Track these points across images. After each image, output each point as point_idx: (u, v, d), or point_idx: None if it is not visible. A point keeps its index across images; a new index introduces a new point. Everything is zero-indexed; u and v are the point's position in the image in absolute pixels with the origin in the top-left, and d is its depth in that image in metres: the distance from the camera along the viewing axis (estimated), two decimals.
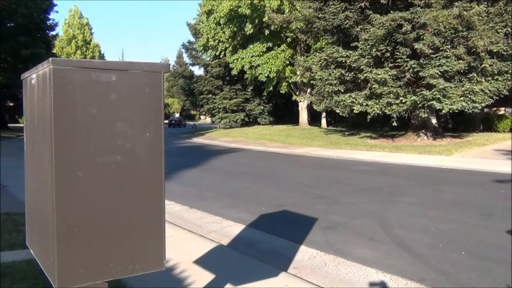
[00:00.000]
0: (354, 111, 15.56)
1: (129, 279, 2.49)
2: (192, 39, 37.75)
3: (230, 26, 26.01)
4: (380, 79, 13.79)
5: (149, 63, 1.41)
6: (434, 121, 16.16)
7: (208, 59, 33.78)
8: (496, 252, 3.95)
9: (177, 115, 66.78)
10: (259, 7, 23.55)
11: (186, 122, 49.27)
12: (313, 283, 3.20)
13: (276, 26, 22.40)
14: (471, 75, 13.37)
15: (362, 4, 14.45)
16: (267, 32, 24.40)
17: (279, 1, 22.79)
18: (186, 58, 49.42)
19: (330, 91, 15.66)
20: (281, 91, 27.20)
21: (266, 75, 24.88)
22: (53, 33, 32.55)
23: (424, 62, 13.19)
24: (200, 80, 35.93)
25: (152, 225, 1.44)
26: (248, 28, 24.77)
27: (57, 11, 63.72)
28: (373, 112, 14.58)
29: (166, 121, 59.42)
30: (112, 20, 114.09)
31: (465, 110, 13.67)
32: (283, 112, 33.48)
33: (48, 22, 30.45)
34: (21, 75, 1.66)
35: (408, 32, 13.11)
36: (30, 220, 1.68)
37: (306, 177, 9.10)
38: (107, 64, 1.37)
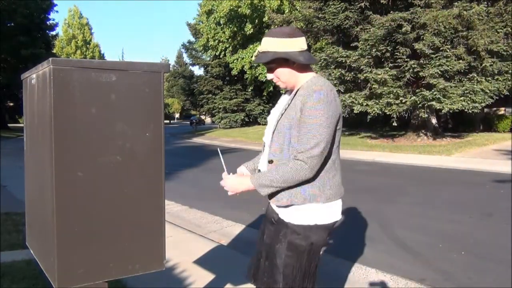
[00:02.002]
0: (354, 111, 15.56)
1: (129, 279, 2.50)
2: (192, 39, 37.73)
3: (230, 26, 26.02)
4: (380, 79, 13.78)
5: (149, 63, 1.41)
6: (434, 121, 16.16)
7: (208, 59, 33.75)
8: (496, 252, 3.95)
9: (176, 115, 66.71)
10: (259, 7, 23.56)
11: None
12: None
13: (276, 26, 22.39)
14: (471, 75, 13.37)
15: (362, 4, 14.45)
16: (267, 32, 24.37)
17: (279, 1, 22.80)
18: (186, 58, 49.40)
19: None
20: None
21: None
22: (53, 33, 32.57)
23: (424, 62, 13.19)
24: (200, 80, 35.91)
25: (152, 225, 1.44)
26: (248, 28, 24.77)
27: (57, 11, 63.73)
28: (373, 112, 14.58)
29: (167, 121, 59.68)
30: (112, 20, 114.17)
31: (465, 110, 13.67)
32: None
33: (48, 22, 30.48)
34: (21, 75, 1.66)
35: (408, 32, 13.11)
36: (30, 220, 1.68)
37: None
38: (107, 64, 1.37)
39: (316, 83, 1.67)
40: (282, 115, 1.71)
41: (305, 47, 1.71)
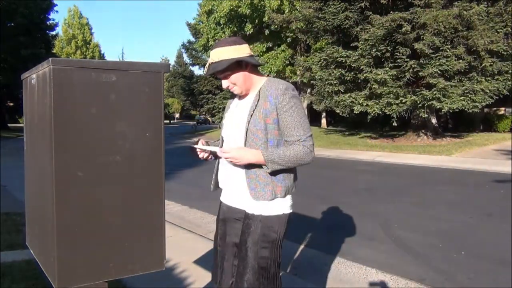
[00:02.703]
0: (354, 111, 15.56)
1: (129, 279, 2.49)
2: (192, 39, 37.73)
3: (230, 26, 25.99)
4: (380, 79, 13.78)
5: (149, 63, 1.41)
6: (434, 121, 16.16)
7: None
8: (496, 252, 3.95)
9: (176, 115, 66.76)
10: (259, 7, 23.53)
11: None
12: (313, 283, 3.20)
13: (276, 26, 22.40)
14: (471, 74, 13.37)
15: (362, 4, 14.45)
16: (267, 32, 24.38)
17: (279, 1, 22.78)
18: (186, 58, 49.37)
19: (330, 91, 15.66)
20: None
21: (266, 75, 24.88)
22: (53, 33, 32.56)
23: (424, 62, 13.19)
24: (200, 80, 35.91)
25: (152, 225, 1.44)
26: (248, 28, 24.76)
27: (57, 11, 63.62)
28: (373, 112, 14.58)
29: (167, 121, 59.97)
30: (112, 20, 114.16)
31: (465, 109, 13.67)
32: None
33: (48, 22, 30.47)
34: (21, 75, 1.66)
35: (408, 32, 13.11)
36: (30, 220, 1.68)
37: (306, 177, 9.09)
38: (107, 64, 1.37)
39: (279, 82, 1.83)
40: (251, 116, 1.80)
41: (251, 52, 1.86)
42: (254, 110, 1.80)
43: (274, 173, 1.79)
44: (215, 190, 2.07)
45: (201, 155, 1.92)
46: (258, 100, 1.81)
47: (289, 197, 1.88)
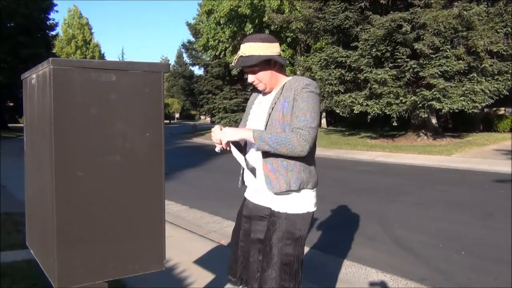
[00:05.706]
0: (354, 111, 15.55)
1: (129, 279, 2.49)
2: (192, 39, 37.69)
3: (230, 26, 25.98)
4: (380, 79, 13.78)
5: (149, 63, 1.41)
6: (434, 121, 16.15)
7: (208, 59, 33.74)
8: (496, 252, 3.95)
9: (176, 115, 66.90)
10: (259, 7, 23.53)
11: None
12: (313, 283, 3.20)
13: (276, 26, 22.38)
14: (471, 75, 13.36)
15: (362, 4, 14.44)
16: (267, 32, 24.36)
17: (279, 1, 22.78)
18: (186, 58, 49.31)
19: (330, 91, 15.65)
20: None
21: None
22: (53, 33, 32.55)
23: (424, 62, 13.18)
24: (200, 80, 35.85)
25: (152, 225, 1.44)
26: (248, 28, 24.75)
27: (57, 11, 63.61)
28: (373, 112, 14.57)
29: (167, 121, 60.06)
30: (112, 20, 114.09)
31: (465, 110, 13.66)
32: None
33: (48, 22, 30.45)
34: (21, 75, 1.66)
35: (408, 32, 13.10)
36: (30, 220, 1.68)
37: None
38: (107, 64, 1.37)
39: (304, 78, 1.86)
40: (272, 109, 1.84)
41: (280, 51, 1.89)
42: (276, 103, 1.84)
43: (289, 165, 1.80)
44: (242, 186, 2.08)
45: (217, 148, 1.91)
46: (280, 94, 1.85)
47: (314, 195, 1.91)
